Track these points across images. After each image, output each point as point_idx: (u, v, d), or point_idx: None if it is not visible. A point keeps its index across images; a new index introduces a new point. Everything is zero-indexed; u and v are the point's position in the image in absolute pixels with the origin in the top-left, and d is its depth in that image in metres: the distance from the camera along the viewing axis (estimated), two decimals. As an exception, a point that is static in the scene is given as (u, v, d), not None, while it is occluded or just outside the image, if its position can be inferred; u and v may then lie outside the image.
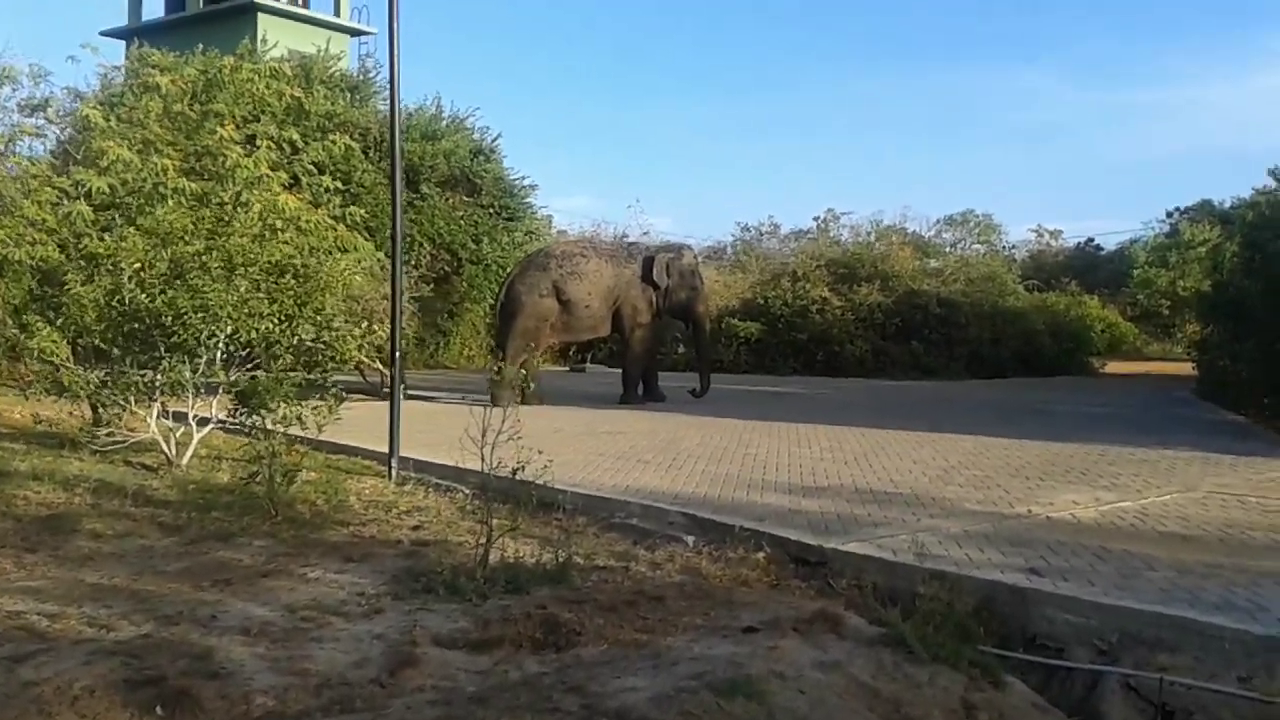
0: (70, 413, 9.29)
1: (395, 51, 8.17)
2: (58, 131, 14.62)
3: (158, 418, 8.32)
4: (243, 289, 7.99)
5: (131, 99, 16.18)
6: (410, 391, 15.19)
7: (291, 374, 8.07)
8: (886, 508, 6.79)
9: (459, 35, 71.72)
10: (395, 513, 7.04)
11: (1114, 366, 27.60)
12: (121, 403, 8.16)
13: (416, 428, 11.21)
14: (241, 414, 7.69)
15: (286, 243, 9.57)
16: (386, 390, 15.16)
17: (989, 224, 54.07)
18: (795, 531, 5.95)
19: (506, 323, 14.03)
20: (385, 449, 8.92)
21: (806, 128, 75.60)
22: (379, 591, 5.10)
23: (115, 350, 7.97)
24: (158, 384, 8.05)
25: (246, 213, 8.47)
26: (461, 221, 19.15)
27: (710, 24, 73.81)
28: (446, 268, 19.13)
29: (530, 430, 11.16)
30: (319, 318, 8.30)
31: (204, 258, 7.90)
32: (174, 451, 8.31)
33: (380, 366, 14.76)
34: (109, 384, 8.04)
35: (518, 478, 5.77)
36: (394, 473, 8.00)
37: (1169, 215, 38.78)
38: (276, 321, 8.05)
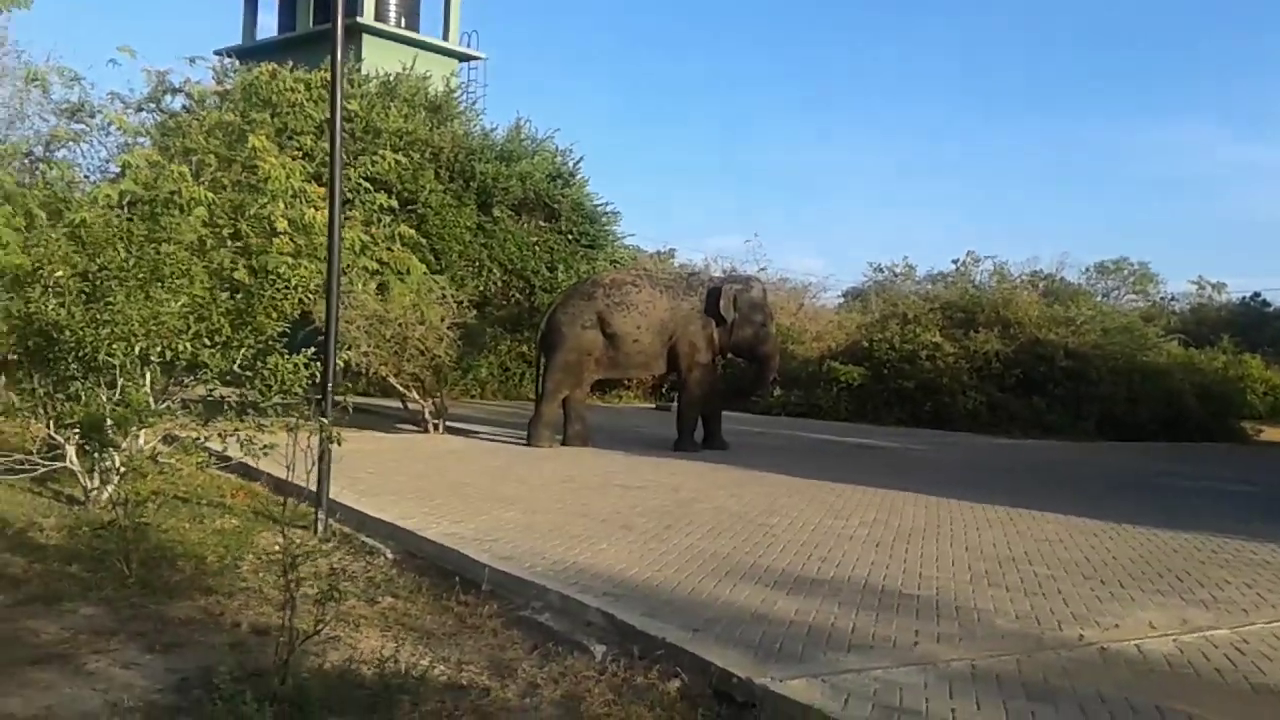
0: (15, 432, 8.50)
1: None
2: (105, 137, 14.19)
3: (78, 446, 7.34)
4: (175, 305, 6.94)
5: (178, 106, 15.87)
6: (451, 424, 14.10)
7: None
8: (886, 618, 5.16)
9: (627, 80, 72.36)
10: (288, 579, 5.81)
11: (1272, 434, 24.51)
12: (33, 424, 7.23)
13: (410, 469, 10.03)
14: (89, 449, 6.60)
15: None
16: (428, 420, 14.23)
17: (1145, 273, 50.36)
18: (731, 653, 4.39)
19: (547, 355, 12.75)
20: (351, 494, 7.92)
21: (963, 174, 73.27)
22: (138, 704, 3.86)
23: (22, 367, 7.02)
24: (74, 409, 7.04)
25: (185, 217, 7.43)
26: (536, 247, 18.09)
27: (884, 73, 72.69)
28: (519, 295, 18.09)
29: (539, 477, 10.03)
30: (258, 340, 7.18)
31: (126, 268, 6.89)
32: (96, 484, 7.31)
33: (416, 396, 13.75)
34: (17, 404, 7.12)
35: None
36: (320, 527, 6.77)
37: (1343, 271, 34.89)
38: (203, 343, 6.96)
